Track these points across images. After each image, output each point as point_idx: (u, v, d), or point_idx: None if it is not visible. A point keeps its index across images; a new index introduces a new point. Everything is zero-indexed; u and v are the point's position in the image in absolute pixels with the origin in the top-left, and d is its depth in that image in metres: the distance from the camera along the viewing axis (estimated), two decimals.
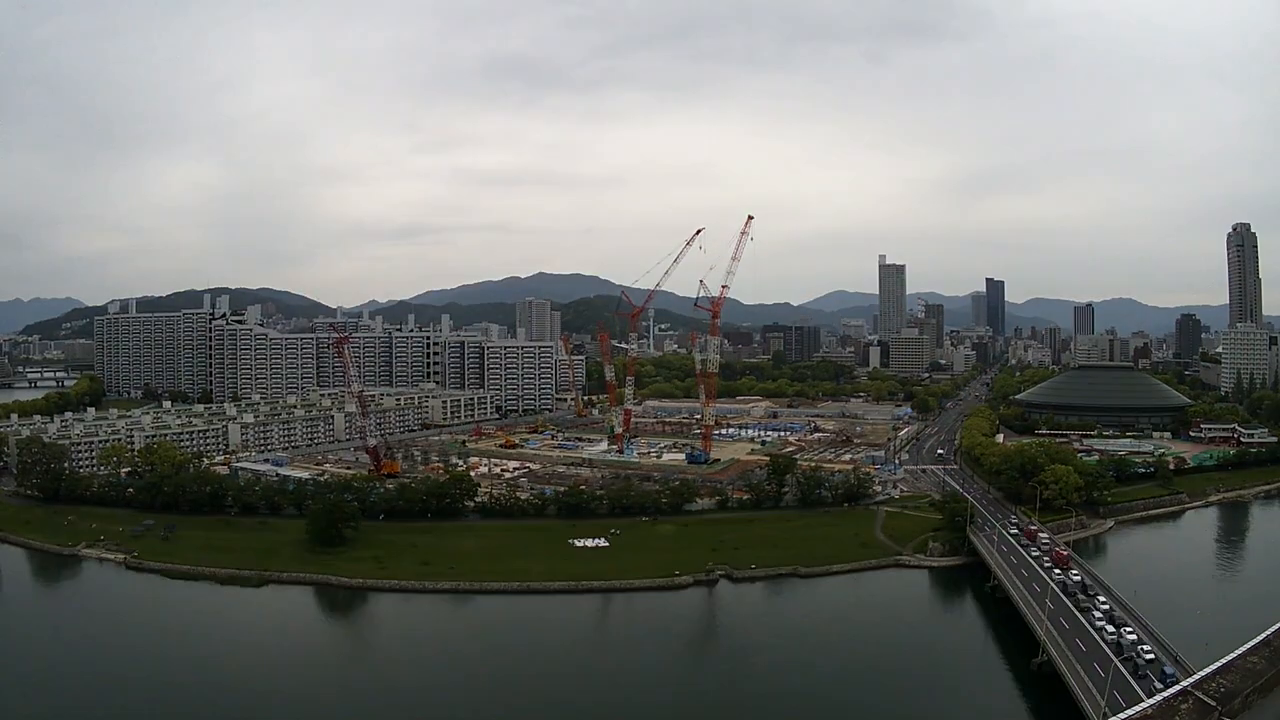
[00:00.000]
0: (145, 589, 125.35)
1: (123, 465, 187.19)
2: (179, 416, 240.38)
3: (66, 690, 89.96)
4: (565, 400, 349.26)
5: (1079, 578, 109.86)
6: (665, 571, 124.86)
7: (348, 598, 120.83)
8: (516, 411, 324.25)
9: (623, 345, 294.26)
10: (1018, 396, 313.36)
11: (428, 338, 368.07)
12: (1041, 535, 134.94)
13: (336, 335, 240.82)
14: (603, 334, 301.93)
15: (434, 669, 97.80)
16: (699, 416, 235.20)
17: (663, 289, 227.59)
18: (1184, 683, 58.07)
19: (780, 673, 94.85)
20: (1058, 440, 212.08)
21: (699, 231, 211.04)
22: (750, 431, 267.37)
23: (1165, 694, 57.64)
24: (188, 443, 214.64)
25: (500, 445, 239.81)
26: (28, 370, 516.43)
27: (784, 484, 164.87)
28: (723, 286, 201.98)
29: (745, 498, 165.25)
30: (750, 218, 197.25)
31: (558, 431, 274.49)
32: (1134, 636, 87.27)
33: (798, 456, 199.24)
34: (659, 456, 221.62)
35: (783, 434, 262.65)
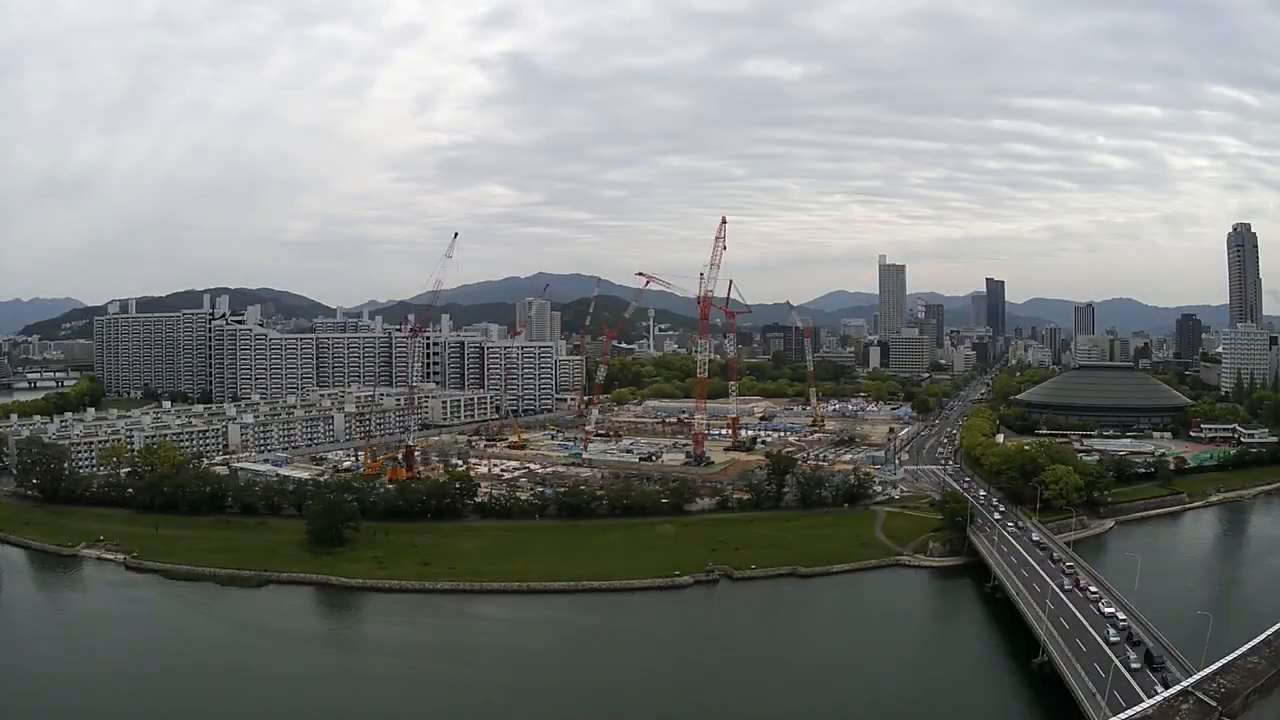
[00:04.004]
0: (145, 590, 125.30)
1: (122, 465, 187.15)
2: (179, 417, 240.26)
3: (65, 691, 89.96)
4: (566, 400, 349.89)
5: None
6: (665, 572, 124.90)
7: (346, 600, 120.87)
8: (516, 412, 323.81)
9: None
10: (1018, 397, 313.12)
11: (428, 338, 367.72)
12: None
13: (410, 327, 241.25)
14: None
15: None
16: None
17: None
18: (1184, 683, 57.94)
19: (778, 674, 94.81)
20: (1058, 440, 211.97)
21: (723, 221, 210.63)
22: (750, 431, 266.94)
23: (1165, 694, 57.57)
24: (187, 443, 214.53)
25: (507, 445, 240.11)
26: (27, 371, 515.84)
27: (784, 484, 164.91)
28: (708, 290, 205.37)
29: (745, 498, 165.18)
30: (723, 221, 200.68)
31: (558, 431, 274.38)
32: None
33: (798, 456, 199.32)
34: (659, 457, 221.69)
35: (782, 434, 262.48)
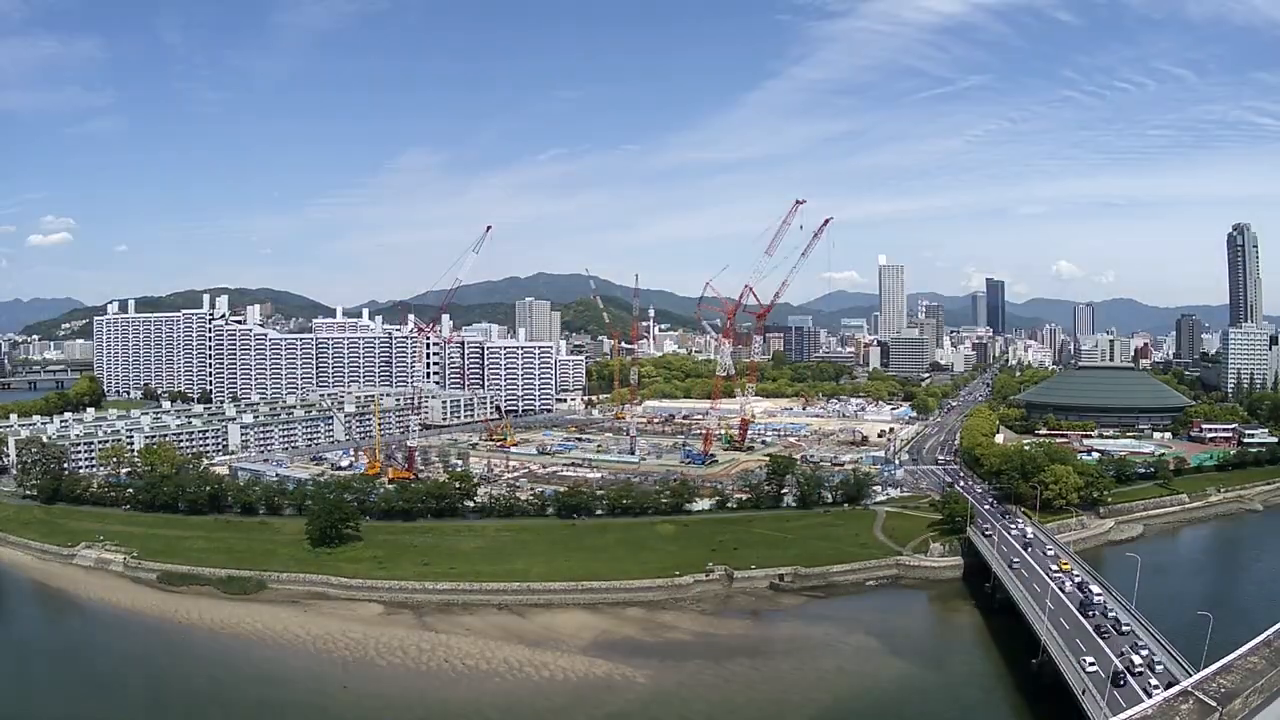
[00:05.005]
0: (144, 590, 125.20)
1: (122, 465, 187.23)
2: (178, 417, 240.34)
3: (64, 693, 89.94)
4: (565, 400, 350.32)
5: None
6: (665, 571, 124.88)
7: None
8: (516, 412, 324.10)
9: (625, 346, 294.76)
10: (1018, 397, 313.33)
11: (427, 338, 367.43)
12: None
13: (418, 325, 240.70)
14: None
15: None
16: (699, 417, 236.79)
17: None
18: (1184, 683, 58.01)
19: (777, 674, 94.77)
20: (1058, 440, 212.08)
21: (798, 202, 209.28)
22: (750, 431, 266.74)
23: (1166, 694, 57.64)
24: (187, 443, 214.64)
25: (498, 446, 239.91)
26: (27, 371, 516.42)
27: (783, 484, 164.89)
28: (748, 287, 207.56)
29: (745, 498, 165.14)
30: (798, 202, 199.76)
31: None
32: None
33: (797, 457, 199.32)
34: (659, 457, 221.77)
35: (782, 434, 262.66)
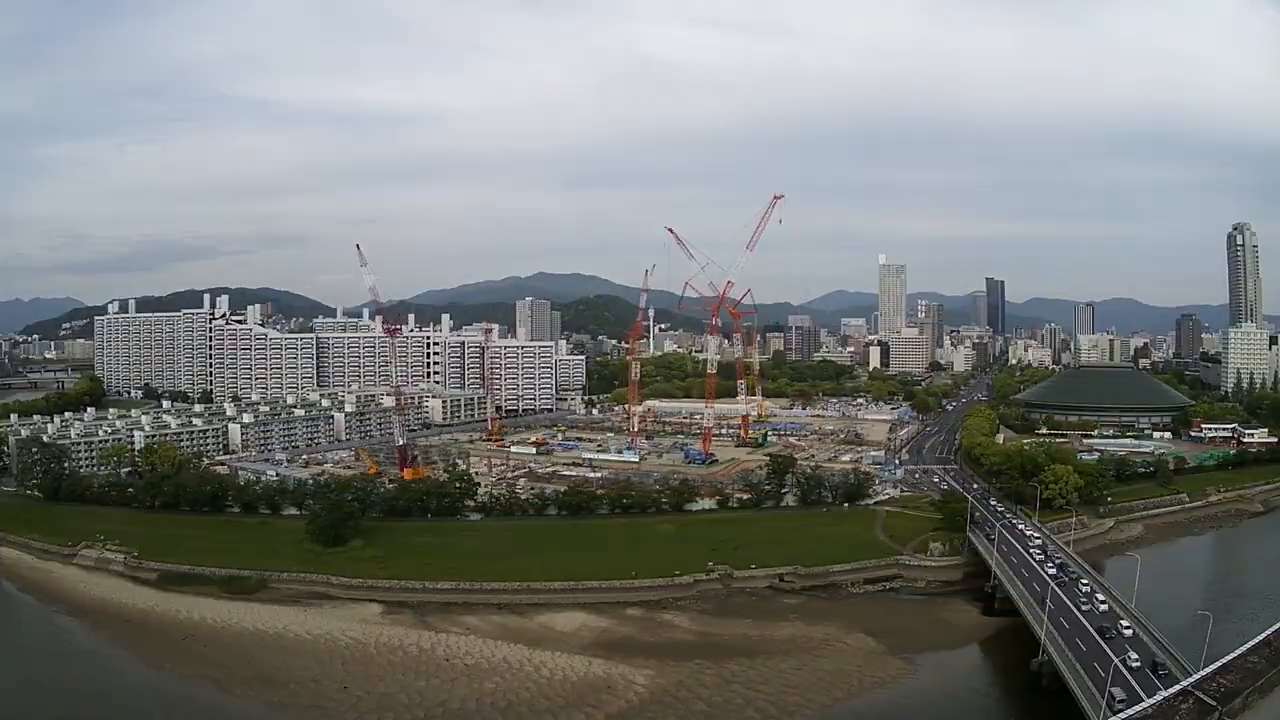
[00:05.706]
0: (144, 589, 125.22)
1: (123, 465, 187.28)
2: (179, 416, 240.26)
3: (64, 693, 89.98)
4: (565, 400, 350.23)
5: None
6: (666, 571, 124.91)
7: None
8: (516, 412, 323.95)
9: (625, 345, 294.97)
10: (1018, 396, 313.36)
11: (427, 338, 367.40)
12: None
13: (388, 326, 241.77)
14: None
15: None
16: (699, 416, 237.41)
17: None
18: (1184, 682, 58.11)
19: (777, 674, 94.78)
20: (1058, 440, 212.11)
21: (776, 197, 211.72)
22: (751, 431, 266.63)
23: (1166, 694, 57.69)
24: (187, 443, 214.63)
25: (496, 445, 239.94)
26: (28, 371, 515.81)
27: (784, 484, 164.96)
28: (729, 283, 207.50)
29: (745, 497, 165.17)
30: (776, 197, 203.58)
31: (558, 431, 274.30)
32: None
33: (798, 456, 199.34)
34: (659, 456, 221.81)
35: (783, 434, 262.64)
